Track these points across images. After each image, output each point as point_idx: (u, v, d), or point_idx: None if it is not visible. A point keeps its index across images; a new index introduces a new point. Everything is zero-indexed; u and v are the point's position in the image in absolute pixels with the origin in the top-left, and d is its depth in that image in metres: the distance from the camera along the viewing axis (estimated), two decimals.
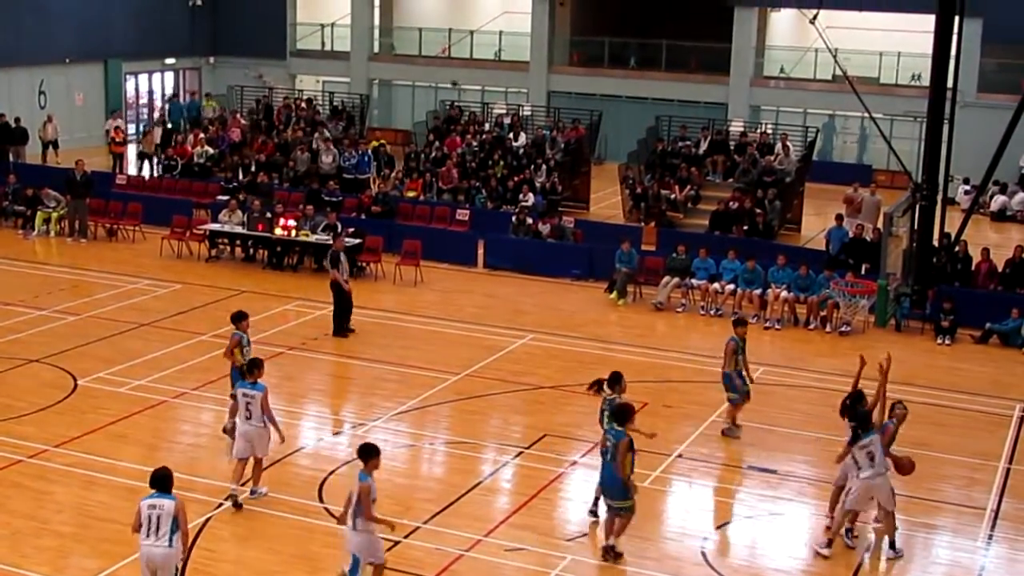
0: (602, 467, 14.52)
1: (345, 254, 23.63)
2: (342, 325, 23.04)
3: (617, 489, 14.28)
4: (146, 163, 38.94)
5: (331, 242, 24.76)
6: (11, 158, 37.96)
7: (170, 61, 49.54)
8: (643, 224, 31.78)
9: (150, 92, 49.59)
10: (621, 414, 14.56)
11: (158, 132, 39.75)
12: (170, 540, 11.96)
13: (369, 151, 36.44)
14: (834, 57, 27.54)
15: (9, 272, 27.45)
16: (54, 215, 31.16)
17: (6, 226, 31.79)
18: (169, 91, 49.86)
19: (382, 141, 39.15)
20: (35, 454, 16.89)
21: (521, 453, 17.59)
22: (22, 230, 31.22)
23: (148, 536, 12.01)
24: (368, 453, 13.14)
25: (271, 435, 15.50)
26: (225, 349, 17.58)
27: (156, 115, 45.85)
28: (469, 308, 25.51)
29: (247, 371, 15.58)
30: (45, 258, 29.11)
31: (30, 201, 31.52)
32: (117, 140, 39.17)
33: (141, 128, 44.53)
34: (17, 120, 38.94)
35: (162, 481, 12.20)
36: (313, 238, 27.79)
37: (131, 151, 41.53)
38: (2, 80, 41.48)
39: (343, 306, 23.11)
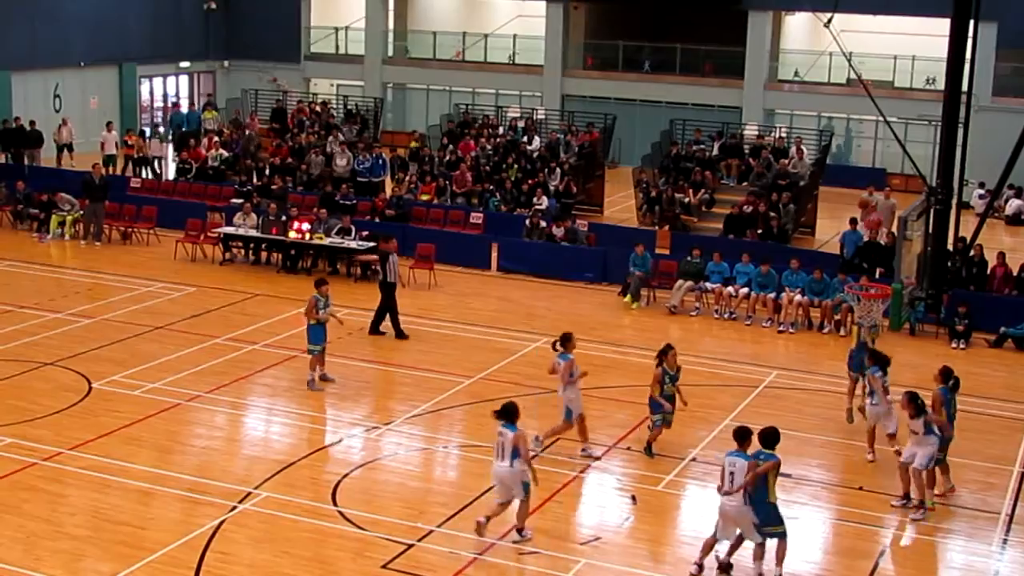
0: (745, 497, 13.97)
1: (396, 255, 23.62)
2: (377, 325, 23.23)
3: (772, 514, 14.05)
4: (143, 168, 38.90)
5: (374, 246, 24.83)
6: (26, 161, 38.15)
7: (184, 65, 49.71)
8: (657, 228, 31.77)
9: (164, 95, 49.76)
10: (772, 437, 14.15)
11: (156, 143, 39.81)
12: (511, 462, 14.48)
13: (386, 155, 36.61)
14: (848, 61, 27.41)
15: (24, 275, 27.55)
16: (68, 218, 31.27)
17: (21, 229, 31.92)
18: (184, 94, 50.10)
19: (414, 144, 39.05)
20: (50, 457, 16.94)
21: (535, 457, 17.57)
22: (37, 233, 31.34)
23: (496, 458, 14.68)
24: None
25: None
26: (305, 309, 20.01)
27: (162, 124, 45.97)
28: (483, 311, 25.52)
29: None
30: (60, 261, 29.20)
31: (45, 204, 31.64)
32: (128, 143, 39.22)
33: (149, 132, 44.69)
34: (32, 123, 39.13)
35: (508, 414, 14.70)
36: (327, 241, 27.83)
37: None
38: (17, 83, 41.72)
39: (386, 307, 23.18)
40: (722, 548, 14.35)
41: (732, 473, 13.84)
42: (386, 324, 23.28)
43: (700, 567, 14.27)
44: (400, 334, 23.16)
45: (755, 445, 14.11)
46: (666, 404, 17.58)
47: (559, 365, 17.56)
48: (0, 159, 38.69)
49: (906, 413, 16.01)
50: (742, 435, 14.11)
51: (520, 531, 14.94)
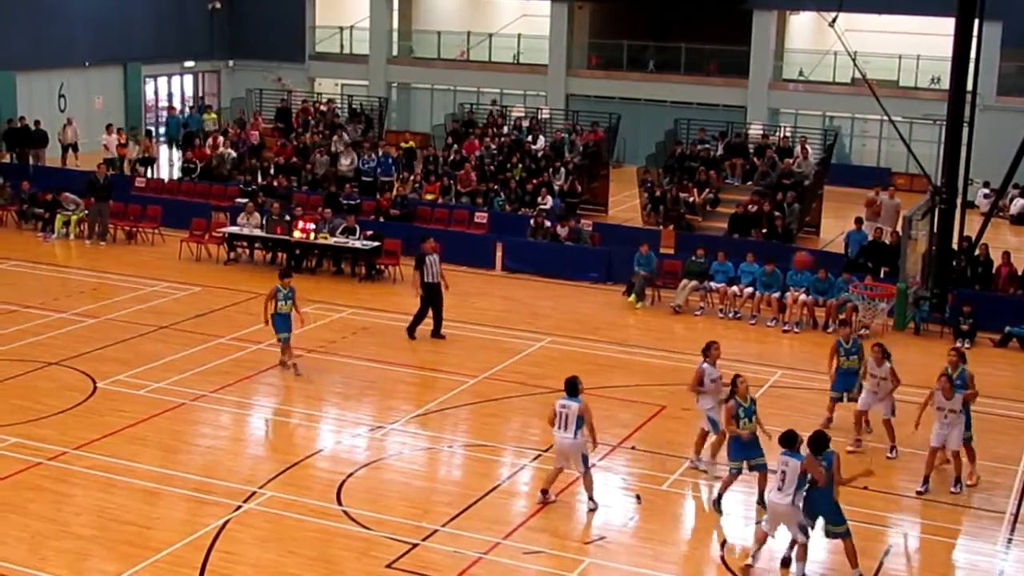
0: (809, 494, 14.05)
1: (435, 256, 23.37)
2: (414, 328, 23.20)
3: (835, 512, 14.15)
4: (149, 168, 38.90)
5: (379, 245, 24.83)
6: (31, 161, 38.17)
7: (189, 64, 49.72)
8: (661, 227, 31.74)
9: (169, 95, 49.79)
10: (822, 442, 14.07)
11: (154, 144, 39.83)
12: (575, 433, 15.29)
13: (394, 153, 36.63)
14: (853, 60, 27.40)
15: (29, 275, 27.58)
16: (73, 218, 31.27)
17: (26, 229, 31.95)
18: (189, 94, 50.17)
19: (411, 143, 39.32)
20: (55, 456, 16.97)
21: (539, 456, 17.59)
22: (42, 233, 31.35)
23: (559, 429, 15.37)
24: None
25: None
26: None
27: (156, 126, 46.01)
28: (487, 311, 25.53)
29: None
30: (64, 261, 29.23)
31: (49, 204, 31.68)
32: (121, 142, 39.15)
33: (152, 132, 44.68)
34: (37, 123, 39.13)
35: (571, 387, 15.53)
36: (332, 241, 27.84)
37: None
38: (22, 83, 41.73)
39: (426, 308, 23.11)
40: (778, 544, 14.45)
41: (784, 472, 13.92)
42: (372, 324, 23.27)
43: (755, 558, 14.40)
44: (437, 334, 23.14)
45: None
46: (748, 442, 15.76)
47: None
48: (5, 159, 38.70)
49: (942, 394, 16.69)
50: (791, 439, 14.06)
51: (591, 499, 15.80)
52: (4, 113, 40.42)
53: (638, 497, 16.32)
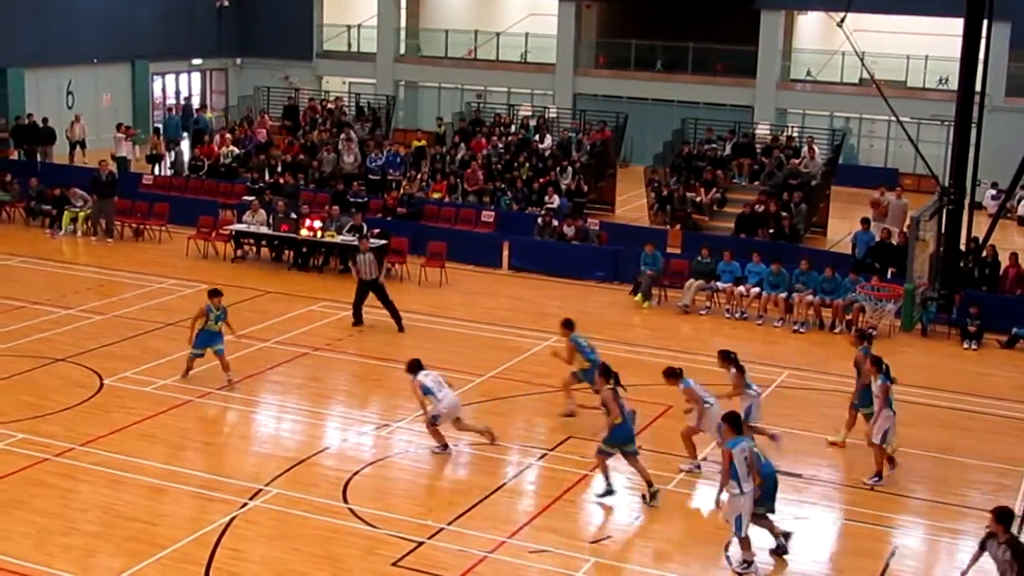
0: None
1: (373, 253, 23.86)
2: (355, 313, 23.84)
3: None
4: (156, 166, 38.96)
5: (356, 243, 24.92)
6: (38, 158, 38.26)
7: (197, 62, 49.81)
8: (668, 227, 31.74)
9: (177, 93, 49.86)
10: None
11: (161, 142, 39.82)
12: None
13: (402, 152, 36.70)
14: (861, 60, 27.40)
15: (36, 271, 27.62)
16: (81, 214, 31.33)
17: (33, 225, 32.01)
18: (196, 92, 50.23)
19: (422, 141, 39.37)
20: (61, 453, 16.99)
21: (545, 455, 17.59)
22: (49, 229, 31.42)
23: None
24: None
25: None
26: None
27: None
28: (494, 310, 25.53)
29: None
30: (72, 257, 29.27)
31: (57, 200, 31.73)
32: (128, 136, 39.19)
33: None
34: (45, 120, 39.23)
35: (672, 375, 16.57)
36: (339, 239, 27.85)
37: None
38: (30, 80, 41.84)
39: (361, 296, 23.75)
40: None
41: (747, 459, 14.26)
42: (378, 322, 23.31)
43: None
44: (357, 321, 23.71)
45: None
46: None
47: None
48: (13, 155, 38.81)
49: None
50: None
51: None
52: (13, 110, 40.58)
53: (644, 496, 16.21)
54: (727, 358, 17.51)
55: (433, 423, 17.29)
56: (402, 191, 33.92)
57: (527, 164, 35.05)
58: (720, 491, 14.30)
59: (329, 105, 41.67)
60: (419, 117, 48.90)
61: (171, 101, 48.98)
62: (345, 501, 15.81)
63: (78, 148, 40.21)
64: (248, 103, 44.48)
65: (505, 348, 22.78)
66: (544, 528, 15.24)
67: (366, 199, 32.12)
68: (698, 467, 17.16)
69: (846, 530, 15.71)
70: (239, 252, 29.10)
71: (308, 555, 14.30)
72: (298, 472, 16.69)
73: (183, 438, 17.95)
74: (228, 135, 38.25)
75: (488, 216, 31.78)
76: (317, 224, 27.97)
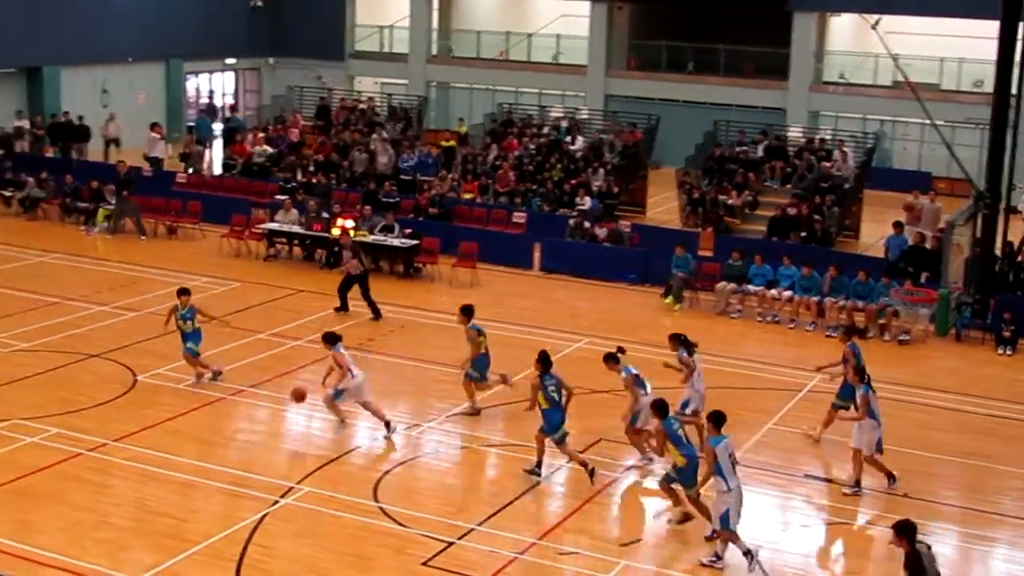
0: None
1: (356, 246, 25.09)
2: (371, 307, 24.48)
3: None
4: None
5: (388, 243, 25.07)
6: (73, 155, 38.49)
7: (230, 61, 50.01)
8: (700, 229, 31.62)
9: (210, 92, 50.08)
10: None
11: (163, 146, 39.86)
12: None
13: (432, 153, 36.74)
14: (895, 63, 27.28)
15: (70, 268, 27.79)
16: (115, 212, 31.49)
17: (68, 222, 32.21)
18: (230, 91, 50.43)
19: (451, 142, 39.40)
20: (95, 448, 17.09)
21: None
22: (84, 226, 31.62)
23: None
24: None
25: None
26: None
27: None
28: (525, 311, 25.49)
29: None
30: (105, 254, 29.42)
31: (95, 193, 31.88)
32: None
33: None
34: (80, 118, 39.48)
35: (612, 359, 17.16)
36: (370, 239, 27.88)
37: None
38: (66, 78, 42.12)
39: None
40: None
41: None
42: (409, 322, 23.33)
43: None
44: (341, 308, 24.53)
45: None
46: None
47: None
48: (49, 153, 39.05)
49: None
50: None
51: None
52: (49, 108, 40.87)
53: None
54: (677, 340, 17.99)
55: (335, 398, 18.03)
56: (433, 191, 33.94)
57: (558, 165, 35.02)
58: (704, 483, 14.70)
59: (361, 105, 41.77)
60: (450, 118, 48.91)
61: (204, 101, 49.21)
62: (376, 500, 15.83)
63: (112, 146, 40.38)
64: (281, 103, 44.60)
65: (535, 349, 22.52)
66: (575, 530, 15.21)
67: (398, 199, 32.16)
68: (650, 460, 17.27)
69: (876, 535, 15.57)
70: (271, 251, 29.21)
71: (338, 553, 14.33)
72: (329, 471, 16.73)
73: (215, 435, 18.03)
74: (260, 134, 38.38)
75: (519, 217, 31.75)
76: (349, 223, 27.98)
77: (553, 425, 16.58)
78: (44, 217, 32.91)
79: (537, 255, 29.32)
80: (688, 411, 17.54)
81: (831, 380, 18.93)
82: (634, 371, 17.24)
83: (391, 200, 31.70)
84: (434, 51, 50.06)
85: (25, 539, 14.41)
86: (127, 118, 42.00)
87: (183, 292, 20.32)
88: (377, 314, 24.30)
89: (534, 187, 33.98)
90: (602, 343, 23.27)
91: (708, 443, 14.51)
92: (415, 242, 27.95)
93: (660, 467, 16.61)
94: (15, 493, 15.66)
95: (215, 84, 50.49)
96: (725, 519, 14.18)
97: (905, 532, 12.06)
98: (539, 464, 16.76)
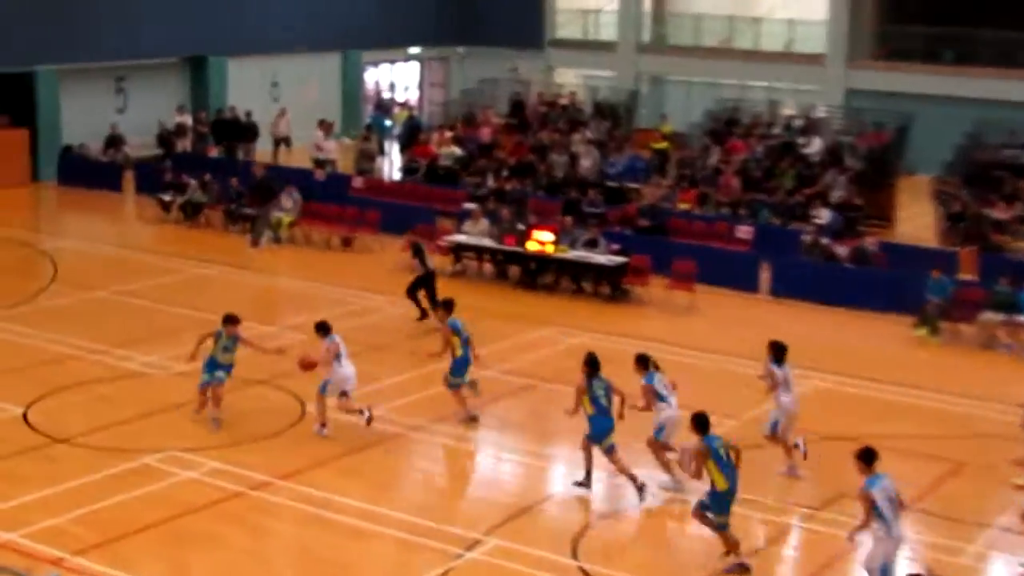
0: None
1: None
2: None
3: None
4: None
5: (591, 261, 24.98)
6: (239, 155, 39.41)
7: (414, 51, 50.78)
8: (960, 248, 30.76)
9: (392, 85, 50.99)
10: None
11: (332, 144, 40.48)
12: None
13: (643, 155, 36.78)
14: None
15: (236, 282, 28.52)
16: (285, 219, 32.08)
17: (233, 231, 33.02)
18: (415, 84, 51.31)
19: (664, 143, 39.27)
20: (258, 486, 17.41)
21: (811, 515, 17.13)
22: (250, 235, 32.22)
23: None
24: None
25: None
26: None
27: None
28: (749, 341, 25.02)
29: None
30: (274, 267, 30.11)
31: (265, 193, 32.42)
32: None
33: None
34: (248, 114, 40.45)
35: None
36: (571, 255, 27.84)
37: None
38: (232, 70, 43.25)
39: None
40: None
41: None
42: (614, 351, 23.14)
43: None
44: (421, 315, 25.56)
45: None
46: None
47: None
48: (212, 152, 40.12)
49: None
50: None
51: None
52: (214, 102, 41.97)
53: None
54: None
55: (322, 392, 19.29)
56: (644, 201, 33.77)
57: (790, 171, 34.57)
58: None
59: (562, 101, 41.94)
60: (665, 115, 48.71)
61: (387, 95, 50.07)
62: (575, 558, 15.71)
63: (282, 145, 41.09)
64: (471, 97, 45.12)
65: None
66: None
67: (603, 209, 32.13)
68: (679, 485, 17.78)
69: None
70: (458, 266, 29.45)
71: None
72: (520, 521, 16.69)
73: (390, 476, 18.20)
74: (448, 133, 38.84)
75: (744, 232, 31.37)
76: (547, 237, 28.01)
77: (600, 432, 17.43)
78: (207, 224, 33.84)
79: (765, 276, 28.94)
80: (777, 431, 18.47)
81: None
82: (656, 380, 18.06)
83: (595, 210, 31.69)
84: (646, 39, 49.97)
85: None
86: (299, 115, 42.87)
87: (231, 320, 19.83)
88: (424, 314, 25.32)
89: (762, 197, 33.58)
90: (841, 381, 22.80)
91: (863, 487, 14.22)
92: (623, 259, 27.81)
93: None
94: (170, 533, 16.06)
95: (397, 77, 51.31)
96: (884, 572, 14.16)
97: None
98: (588, 475, 17.61)
